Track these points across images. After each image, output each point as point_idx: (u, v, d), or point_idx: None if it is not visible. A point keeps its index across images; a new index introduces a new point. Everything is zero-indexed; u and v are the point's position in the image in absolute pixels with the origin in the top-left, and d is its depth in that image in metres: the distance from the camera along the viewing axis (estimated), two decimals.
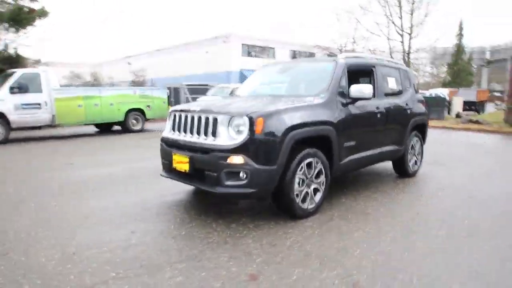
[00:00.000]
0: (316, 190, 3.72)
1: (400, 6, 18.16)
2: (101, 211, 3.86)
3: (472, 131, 12.66)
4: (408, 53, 18.35)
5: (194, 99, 20.66)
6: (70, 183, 5.05)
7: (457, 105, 21.67)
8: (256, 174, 3.23)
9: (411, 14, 17.97)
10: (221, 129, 3.39)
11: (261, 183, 3.28)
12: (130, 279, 2.45)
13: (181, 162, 3.62)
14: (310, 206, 3.65)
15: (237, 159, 3.24)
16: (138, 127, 12.28)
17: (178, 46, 34.72)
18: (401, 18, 18.17)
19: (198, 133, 3.58)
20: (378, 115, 4.54)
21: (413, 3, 17.93)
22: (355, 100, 4.11)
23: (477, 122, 14.54)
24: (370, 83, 4.66)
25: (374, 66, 4.72)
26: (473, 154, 7.69)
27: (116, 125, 12.29)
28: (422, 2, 17.46)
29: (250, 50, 31.85)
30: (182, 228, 3.36)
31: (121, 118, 11.81)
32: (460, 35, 23.11)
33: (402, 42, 18.58)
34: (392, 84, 5.04)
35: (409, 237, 3.20)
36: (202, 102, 4.56)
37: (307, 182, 3.60)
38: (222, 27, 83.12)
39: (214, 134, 3.43)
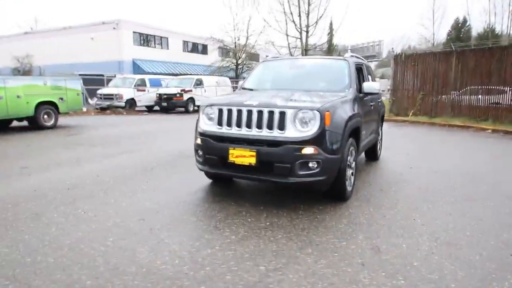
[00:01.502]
0: (352, 174, 4.24)
1: (298, 6, 19.96)
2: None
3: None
4: (306, 50, 20.35)
5: (89, 92, 18.79)
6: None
7: None
8: (326, 163, 3.58)
9: (307, 14, 19.94)
10: (288, 122, 3.59)
11: (329, 171, 3.65)
12: None
13: (244, 156, 3.67)
14: (349, 188, 4.16)
15: (309, 150, 3.52)
16: (50, 122, 10.72)
17: (59, 29, 30.45)
18: (299, 17, 20.00)
19: (260, 127, 3.68)
20: (372, 107, 5.30)
21: (309, 5, 19.93)
22: (366, 94, 4.75)
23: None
24: (361, 79, 5.36)
25: (362, 64, 5.45)
26: (391, 139, 9.24)
27: (19, 121, 10.50)
28: (318, 5, 19.54)
29: (142, 39, 30.09)
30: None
31: (30, 112, 10.13)
32: (331, 34, 26.17)
33: (300, 39, 20.48)
34: (369, 79, 5.87)
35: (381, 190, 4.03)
36: (232, 97, 4.45)
37: (348, 168, 4.10)
38: (110, 12, 75.05)
39: (281, 127, 3.60)
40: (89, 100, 18.60)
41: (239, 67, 31.25)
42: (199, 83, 19.19)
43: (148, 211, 3.68)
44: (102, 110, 17.42)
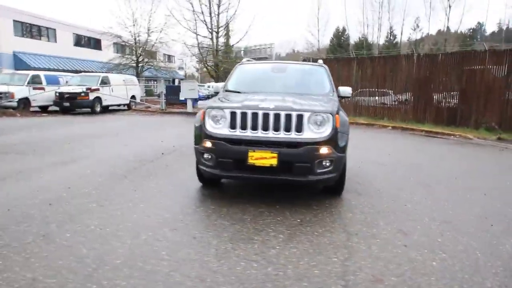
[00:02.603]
0: None
1: (209, 6, 20.04)
2: None
3: None
4: (217, 50, 20.55)
5: None
6: None
7: None
8: (337, 161, 3.97)
9: (217, 15, 20.18)
10: (305, 124, 3.86)
11: (339, 169, 4.05)
12: None
13: (265, 158, 3.80)
14: None
15: (325, 150, 3.86)
16: None
17: None
18: (210, 17, 20.11)
19: (278, 129, 3.86)
20: None
21: (219, 6, 20.17)
22: (341, 98, 5.30)
23: None
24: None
25: (326, 68, 5.98)
26: None
27: None
28: (227, 7, 19.92)
29: (25, 29, 26.09)
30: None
31: None
32: (228, 36, 27.01)
33: (211, 39, 20.58)
34: None
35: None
36: (234, 100, 4.43)
37: None
38: None
39: (299, 129, 3.85)
40: None
41: (140, 65, 29.66)
42: (105, 82, 17.72)
43: (177, 223, 3.53)
44: None
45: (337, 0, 71.48)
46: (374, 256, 2.89)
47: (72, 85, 17.02)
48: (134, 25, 28.35)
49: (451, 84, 13.48)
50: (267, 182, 4.52)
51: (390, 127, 13.21)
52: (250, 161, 3.83)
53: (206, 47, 20.86)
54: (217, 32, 20.47)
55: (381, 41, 49.36)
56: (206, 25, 20.22)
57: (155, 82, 34.83)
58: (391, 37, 49.06)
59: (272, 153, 3.79)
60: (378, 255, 2.91)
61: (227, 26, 21.16)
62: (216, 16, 20.18)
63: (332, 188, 4.42)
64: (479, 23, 53.25)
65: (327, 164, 3.91)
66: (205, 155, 4.10)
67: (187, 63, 46.61)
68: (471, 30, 53.23)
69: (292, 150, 3.82)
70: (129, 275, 2.46)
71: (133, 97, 20.06)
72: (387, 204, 4.23)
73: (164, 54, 36.71)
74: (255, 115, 3.90)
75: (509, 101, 12.08)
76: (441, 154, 8.08)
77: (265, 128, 3.88)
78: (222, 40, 20.81)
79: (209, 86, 31.39)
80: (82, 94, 16.27)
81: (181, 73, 48.04)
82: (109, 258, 2.70)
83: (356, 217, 3.76)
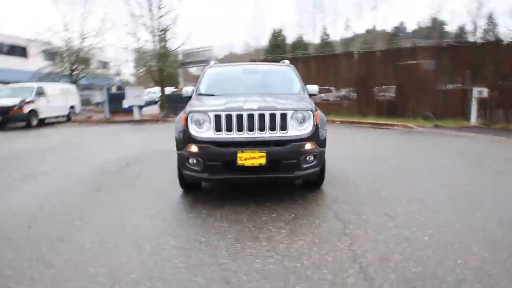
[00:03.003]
0: None
1: (150, 10, 19.38)
2: None
3: None
4: (161, 54, 19.96)
5: None
6: None
7: None
8: (319, 156, 4.19)
9: (159, 18, 19.61)
10: (289, 122, 4.02)
11: (321, 162, 4.27)
12: None
13: (254, 158, 3.88)
14: None
15: (309, 146, 4.06)
16: None
17: None
18: (151, 20, 19.47)
19: (263, 129, 3.96)
20: None
21: (159, 8, 19.63)
22: (310, 95, 5.54)
23: None
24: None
25: (293, 68, 6.18)
26: None
27: None
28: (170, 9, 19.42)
29: None
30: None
31: None
32: (165, 40, 26.46)
33: (154, 42, 19.94)
34: None
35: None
36: (227, 102, 4.41)
37: None
38: None
39: (283, 128, 3.99)
40: None
41: (74, 72, 27.79)
42: (41, 92, 16.42)
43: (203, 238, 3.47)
44: None
45: (273, 1, 73.30)
46: (373, 239, 3.12)
47: (2, 97, 15.52)
48: (65, 30, 26.52)
49: (389, 79, 14.58)
50: (256, 181, 4.60)
51: (338, 122, 13.92)
52: (239, 162, 3.89)
53: (147, 52, 20.22)
54: (160, 36, 19.94)
55: (316, 40, 51.64)
56: (147, 28, 19.59)
57: (92, 91, 32.97)
58: (325, 37, 51.52)
59: (260, 152, 3.89)
60: (376, 238, 3.14)
61: (165, 30, 20.61)
62: (158, 19, 19.63)
63: (313, 181, 4.62)
64: (401, 22, 58.04)
65: (311, 159, 4.10)
66: (190, 160, 4.08)
67: (123, 69, 44.68)
68: (395, 28, 57.71)
69: (279, 148, 3.95)
70: (153, 287, 2.41)
71: (72, 107, 18.83)
72: (366, 193, 4.52)
73: (100, 61, 34.85)
74: (240, 117, 3.97)
75: (439, 92, 13.39)
76: (396, 144, 8.77)
77: (251, 128, 3.96)
78: (165, 43, 20.23)
79: (149, 92, 30.46)
80: (16, 108, 14.93)
81: (118, 79, 45.92)
82: (123, 273, 2.61)
83: (343, 207, 3.99)
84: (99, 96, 27.46)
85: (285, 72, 5.60)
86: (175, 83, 22.70)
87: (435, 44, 15.84)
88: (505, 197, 4.25)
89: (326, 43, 50.10)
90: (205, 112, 4.06)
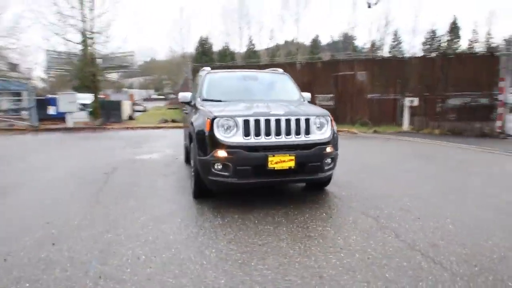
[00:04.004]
0: None
1: (81, 10, 17.88)
2: None
3: (173, 128, 15.58)
4: (93, 58, 18.54)
5: None
6: None
7: (128, 109, 24.29)
8: (335, 158, 4.51)
9: (91, 20, 18.20)
10: (312, 127, 4.25)
11: (336, 164, 4.57)
12: None
13: (284, 161, 4.02)
14: None
15: (329, 149, 4.35)
16: None
17: None
18: (83, 21, 17.96)
19: (289, 133, 4.13)
20: None
21: (91, 10, 18.22)
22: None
23: (173, 121, 17.98)
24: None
25: (289, 75, 6.41)
26: None
27: None
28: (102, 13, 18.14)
29: None
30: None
31: None
32: (86, 44, 25.15)
33: (85, 45, 18.43)
34: None
35: None
36: (253, 106, 4.50)
37: None
38: None
39: (307, 132, 4.21)
40: None
41: None
42: None
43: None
44: None
45: (200, 9, 72.81)
46: (411, 230, 3.49)
47: None
48: None
49: (329, 88, 15.72)
50: (282, 184, 4.87)
51: None
52: (270, 165, 4.00)
53: (74, 55, 18.65)
54: (91, 38, 18.56)
55: (243, 49, 52.77)
56: (78, 30, 18.09)
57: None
58: (251, 46, 52.93)
59: (290, 156, 4.05)
60: (412, 228, 3.52)
61: (98, 33, 19.14)
62: (90, 20, 18.28)
63: (323, 183, 4.90)
64: (317, 35, 62.29)
65: (330, 161, 4.39)
66: (217, 165, 4.05)
67: (34, 72, 40.34)
68: (312, 41, 61.73)
69: (306, 151, 4.15)
70: None
71: None
72: (366, 191, 4.93)
73: (9, 63, 31.03)
74: (267, 122, 4.08)
75: (374, 101, 14.87)
76: (355, 148, 9.53)
77: (278, 133, 4.10)
78: (99, 47, 18.86)
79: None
80: None
81: (31, 84, 41.23)
82: (207, 284, 2.55)
83: (360, 204, 4.33)
84: (4, 103, 24.35)
85: (283, 80, 5.81)
86: (97, 90, 21.06)
87: (370, 57, 17.50)
88: (479, 189, 5.04)
89: (252, 52, 51.50)
90: (232, 117, 4.08)
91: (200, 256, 2.96)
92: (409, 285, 2.47)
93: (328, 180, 4.82)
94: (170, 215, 3.99)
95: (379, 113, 14.50)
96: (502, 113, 11.78)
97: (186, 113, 6.88)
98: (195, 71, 17.40)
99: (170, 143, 10.29)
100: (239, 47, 53.30)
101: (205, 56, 51.06)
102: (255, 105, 4.58)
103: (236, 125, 4.06)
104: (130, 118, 23.29)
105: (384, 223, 3.67)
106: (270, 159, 3.99)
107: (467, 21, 75.15)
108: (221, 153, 4.01)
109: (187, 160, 7.05)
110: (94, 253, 3.01)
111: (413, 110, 13.34)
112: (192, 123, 4.85)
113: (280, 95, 5.43)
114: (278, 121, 4.11)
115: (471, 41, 50.75)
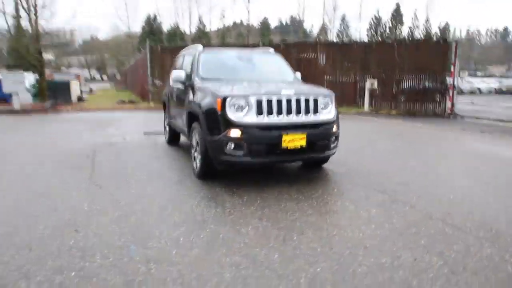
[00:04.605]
0: None
1: None
2: None
3: (134, 110, 14.89)
4: (38, 35, 16.81)
5: None
6: None
7: (77, 90, 22.61)
8: (338, 136, 4.67)
9: None
10: (319, 107, 4.35)
11: (338, 143, 4.73)
12: None
13: (295, 140, 4.09)
14: None
15: (335, 128, 4.51)
16: None
17: None
18: None
19: (299, 112, 4.19)
20: None
21: None
22: None
23: (132, 101, 17.16)
24: None
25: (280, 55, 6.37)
26: None
27: None
28: None
29: None
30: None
31: None
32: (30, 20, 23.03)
33: (30, 21, 16.65)
34: None
35: None
36: (264, 86, 4.52)
37: None
38: None
39: (316, 111, 4.30)
40: None
41: None
42: None
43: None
44: None
45: None
46: (417, 201, 3.77)
47: None
48: None
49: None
50: (293, 162, 5.01)
51: None
52: (284, 144, 4.05)
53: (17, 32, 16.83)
54: (36, 14, 16.84)
55: (193, 30, 51.29)
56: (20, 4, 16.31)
57: None
58: (201, 27, 51.57)
59: (302, 134, 4.12)
60: (420, 200, 3.80)
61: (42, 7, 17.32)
62: None
63: (324, 161, 5.04)
64: (265, 17, 62.12)
65: (334, 139, 4.54)
66: (230, 145, 4.01)
67: None
68: (261, 24, 61.65)
69: (316, 130, 4.26)
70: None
71: None
72: (361, 168, 5.18)
73: None
74: (279, 101, 4.11)
75: (337, 83, 15.35)
76: None
77: (289, 112, 4.15)
78: (43, 22, 17.16)
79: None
80: None
81: None
82: (261, 261, 2.59)
83: (365, 181, 4.55)
84: None
85: (276, 60, 5.81)
86: (43, 69, 19.25)
87: (333, 41, 17.90)
88: (458, 162, 5.53)
89: (202, 33, 50.27)
90: (244, 96, 4.04)
91: (238, 234, 2.96)
92: (446, 249, 2.70)
93: (327, 158, 4.98)
94: (186, 196, 3.91)
95: (341, 95, 14.97)
96: (451, 95, 12.81)
97: (168, 93, 6.65)
98: (154, 51, 16.71)
99: (139, 125, 9.86)
100: (188, 27, 51.78)
101: (153, 35, 49.03)
102: (263, 85, 4.57)
103: (248, 104, 4.03)
104: (80, 99, 21.79)
105: (395, 197, 3.91)
106: (284, 137, 4.03)
107: (408, 8, 79.75)
108: (235, 133, 3.97)
109: (171, 140, 6.87)
110: (128, 237, 2.89)
111: (373, 93, 14.01)
112: (191, 102, 4.73)
113: (276, 75, 5.43)
114: (289, 101, 4.15)
115: (411, 28, 54.07)
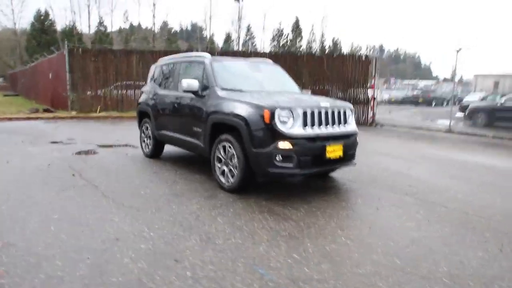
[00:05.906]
0: None
1: None
2: None
3: (54, 119, 13.22)
4: None
5: None
6: None
7: None
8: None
9: None
10: (348, 118, 4.67)
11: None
12: None
13: (336, 151, 4.35)
14: None
15: (357, 138, 4.88)
16: None
17: None
18: None
19: (334, 123, 4.45)
20: None
21: None
22: None
23: (48, 110, 15.10)
24: None
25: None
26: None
27: None
28: None
29: None
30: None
31: None
32: None
33: None
34: None
35: None
36: (291, 97, 4.63)
37: None
38: None
39: (345, 122, 4.61)
40: None
41: None
42: None
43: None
44: None
45: None
46: (433, 199, 4.35)
47: None
48: None
49: None
50: (331, 172, 5.28)
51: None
52: (327, 155, 4.26)
53: None
54: None
55: (92, 30, 47.15)
56: None
57: None
58: (102, 28, 47.71)
59: (340, 145, 4.40)
60: (435, 198, 4.40)
61: None
62: None
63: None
64: (164, 22, 59.68)
65: (355, 149, 4.90)
66: (278, 157, 4.04)
67: None
68: (163, 28, 59.83)
69: (348, 140, 4.59)
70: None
71: None
72: (363, 174, 5.64)
73: None
74: (320, 113, 4.30)
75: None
76: None
77: (326, 123, 4.37)
78: None
79: None
80: None
81: None
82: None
83: (369, 186, 5.00)
84: None
85: (279, 71, 5.95)
86: None
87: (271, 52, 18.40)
88: (432, 163, 6.45)
89: (103, 34, 46.54)
90: (290, 108, 4.12)
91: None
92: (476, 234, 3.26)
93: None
94: (220, 207, 3.80)
95: None
96: (373, 105, 14.53)
97: (152, 99, 6.21)
98: (73, 53, 15.00)
99: (84, 136, 8.77)
100: (87, 28, 47.41)
101: (45, 34, 43.82)
102: (288, 96, 4.71)
103: (293, 116, 4.12)
104: None
105: (410, 198, 4.43)
106: (328, 148, 4.24)
107: (306, 21, 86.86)
108: (285, 145, 4.02)
109: (153, 154, 6.39)
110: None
111: None
112: (217, 113, 4.56)
113: (284, 86, 5.59)
114: (326, 113, 4.37)
115: (309, 41, 58.96)
